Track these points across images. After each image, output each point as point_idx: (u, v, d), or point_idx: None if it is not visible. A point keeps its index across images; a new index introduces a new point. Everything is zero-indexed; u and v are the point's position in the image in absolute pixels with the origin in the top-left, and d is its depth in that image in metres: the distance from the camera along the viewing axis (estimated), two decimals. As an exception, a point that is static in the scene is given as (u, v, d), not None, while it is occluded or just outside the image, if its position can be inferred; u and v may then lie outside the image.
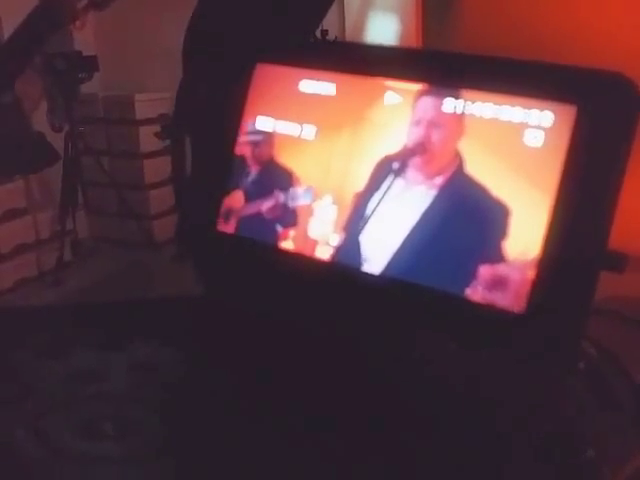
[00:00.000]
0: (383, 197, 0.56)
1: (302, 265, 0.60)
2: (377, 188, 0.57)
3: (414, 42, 2.66)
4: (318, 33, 2.69)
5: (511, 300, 0.51)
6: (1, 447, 0.51)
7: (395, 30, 2.77)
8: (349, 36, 2.84)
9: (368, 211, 0.57)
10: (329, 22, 2.73)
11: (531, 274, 0.51)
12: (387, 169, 0.57)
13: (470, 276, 0.53)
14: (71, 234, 2.80)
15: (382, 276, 0.56)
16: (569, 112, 0.52)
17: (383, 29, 2.78)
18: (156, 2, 2.85)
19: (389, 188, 0.56)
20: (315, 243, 0.59)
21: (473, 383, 0.55)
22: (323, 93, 0.60)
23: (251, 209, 0.62)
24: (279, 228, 0.60)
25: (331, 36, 2.76)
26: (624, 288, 0.78)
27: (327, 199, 0.58)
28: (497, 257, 0.52)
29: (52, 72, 2.61)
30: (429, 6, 2.56)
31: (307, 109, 0.61)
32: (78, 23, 0.65)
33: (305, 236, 0.59)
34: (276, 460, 0.51)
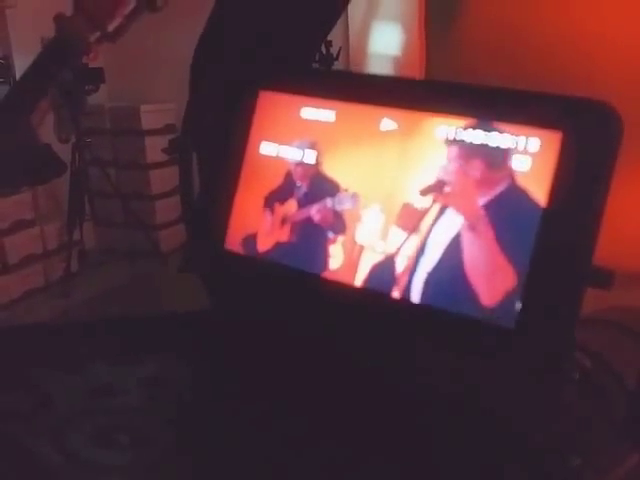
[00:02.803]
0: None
1: (309, 283, 0.64)
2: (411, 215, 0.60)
3: (417, 51, 2.71)
4: (322, 44, 2.74)
5: (501, 316, 0.55)
6: (21, 456, 0.55)
7: (398, 40, 2.82)
8: (353, 46, 2.88)
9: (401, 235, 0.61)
10: (333, 33, 2.78)
11: (519, 292, 0.54)
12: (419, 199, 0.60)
13: (465, 294, 0.57)
14: (78, 245, 2.84)
15: (394, 298, 0.60)
16: (555, 138, 0.55)
17: (386, 39, 2.82)
18: (161, 14, 2.90)
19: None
20: (362, 248, 0.62)
21: (467, 394, 0.58)
22: (323, 120, 0.64)
23: (302, 215, 0.65)
24: (330, 234, 0.63)
25: (335, 47, 2.80)
26: (621, 300, 0.82)
27: (375, 207, 0.62)
28: (493, 279, 0.56)
29: (59, 84, 2.66)
30: (432, 16, 2.60)
31: (309, 134, 0.65)
32: (91, 55, 0.70)
33: (353, 241, 0.62)
34: (285, 470, 0.54)
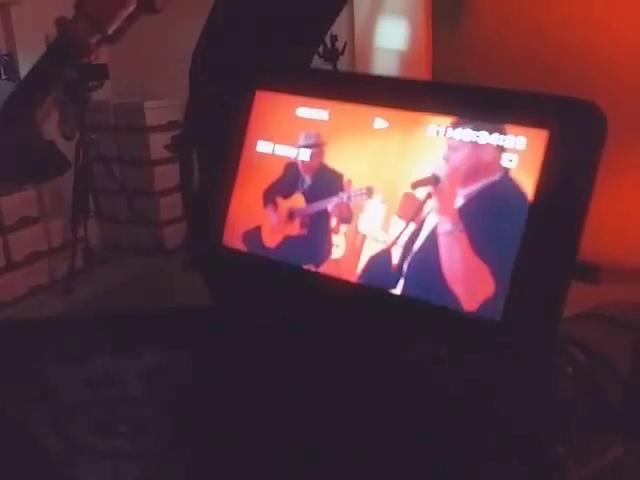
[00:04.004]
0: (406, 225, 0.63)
1: (302, 276, 0.67)
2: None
3: (423, 46, 2.72)
4: (327, 39, 2.76)
5: (489, 310, 0.58)
6: (26, 443, 0.58)
7: (405, 34, 2.83)
8: (358, 41, 2.90)
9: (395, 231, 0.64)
10: (338, 27, 2.79)
11: (506, 286, 0.57)
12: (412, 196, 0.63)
13: (459, 291, 0.59)
14: (83, 242, 2.87)
15: (385, 291, 0.63)
16: (541, 136, 0.58)
17: (393, 34, 2.84)
18: (165, 11, 2.92)
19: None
20: (364, 237, 0.65)
21: (458, 384, 0.61)
22: (319, 119, 0.67)
23: (313, 209, 0.68)
24: (339, 226, 0.67)
25: (340, 42, 2.82)
26: (614, 295, 0.84)
27: (377, 197, 0.65)
28: (479, 273, 0.59)
29: (63, 81, 2.69)
30: (439, 11, 2.63)
31: (305, 132, 0.68)
32: (92, 57, 0.73)
33: (356, 231, 0.66)
34: (279, 458, 0.57)
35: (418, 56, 2.72)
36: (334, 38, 2.81)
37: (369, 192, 0.65)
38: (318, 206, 0.68)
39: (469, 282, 0.59)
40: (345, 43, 2.84)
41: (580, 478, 0.55)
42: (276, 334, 0.69)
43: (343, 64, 2.90)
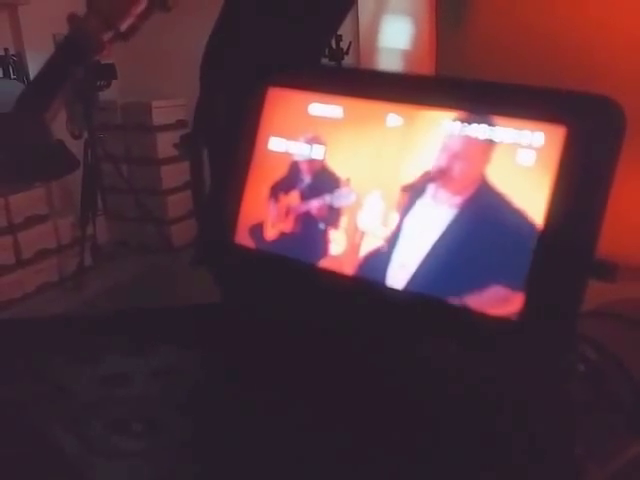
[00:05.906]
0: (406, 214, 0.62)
1: (315, 274, 0.66)
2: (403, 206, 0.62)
3: (427, 45, 2.71)
4: (332, 39, 2.74)
5: (507, 308, 0.56)
6: (40, 441, 0.57)
7: (409, 34, 2.81)
8: (363, 41, 2.89)
9: (394, 226, 0.62)
10: (343, 27, 2.78)
11: (524, 284, 0.55)
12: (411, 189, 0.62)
13: (473, 288, 0.58)
14: (91, 239, 2.87)
15: (394, 287, 0.61)
16: (559, 132, 0.56)
17: (397, 33, 2.82)
18: (173, 11, 2.91)
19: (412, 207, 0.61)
20: (363, 234, 0.64)
21: (473, 383, 0.59)
22: (331, 115, 0.66)
23: (304, 207, 0.67)
24: (324, 226, 0.66)
25: (345, 41, 2.81)
26: (625, 292, 0.83)
27: (376, 194, 0.63)
28: (495, 270, 0.57)
29: (71, 80, 2.68)
30: (443, 11, 2.60)
31: (316, 129, 0.67)
32: (105, 53, 0.72)
33: (355, 227, 0.64)
34: (287, 455, 0.56)
35: (422, 56, 2.70)
36: (339, 38, 2.80)
37: (353, 195, 0.63)
38: (309, 205, 0.66)
39: (482, 279, 0.58)
40: (350, 42, 2.83)
41: (599, 479, 0.54)
42: (287, 332, 0.68)
43: (348, 64, 2.89)
